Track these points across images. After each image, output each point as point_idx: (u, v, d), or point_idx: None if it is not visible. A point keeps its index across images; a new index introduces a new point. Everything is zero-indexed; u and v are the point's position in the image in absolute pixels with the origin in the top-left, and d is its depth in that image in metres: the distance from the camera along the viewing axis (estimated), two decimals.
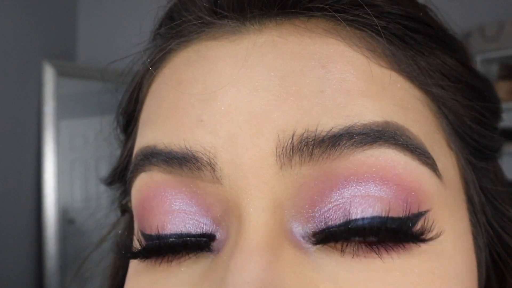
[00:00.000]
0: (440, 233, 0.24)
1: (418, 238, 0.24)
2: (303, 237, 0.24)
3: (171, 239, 0.26)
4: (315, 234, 0.24)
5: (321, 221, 0.24)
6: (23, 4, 2.23)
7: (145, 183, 0.27)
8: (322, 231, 0.24)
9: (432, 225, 0.24)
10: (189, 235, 0.26)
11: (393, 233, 0.23)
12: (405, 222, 0.24)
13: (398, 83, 0.26)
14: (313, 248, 0.24)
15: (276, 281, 0.22)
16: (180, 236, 0.26)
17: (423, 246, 0.24)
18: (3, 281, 2.06)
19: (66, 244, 2.32)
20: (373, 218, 0.23)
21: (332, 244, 0.24)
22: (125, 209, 0.35)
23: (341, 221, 0.23)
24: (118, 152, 0.37)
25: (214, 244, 0.25)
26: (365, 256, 0.23)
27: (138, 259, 0.27)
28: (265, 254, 0.22)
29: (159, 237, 0.26)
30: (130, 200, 0.31)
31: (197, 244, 0.25)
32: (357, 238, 0.23)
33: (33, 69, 2.28)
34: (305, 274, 0.23)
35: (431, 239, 0.24)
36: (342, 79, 0.24)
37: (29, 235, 2.25)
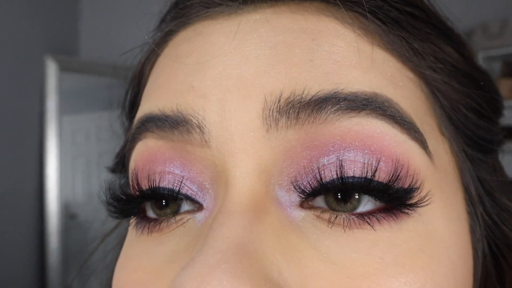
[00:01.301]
0: (430, 199, 0.24)
1: (408, 195, 0.24)
2: (290, 206, 0.24)
3: (162, 190, 0.27)
4: (301, 201, 0.24)
5: (311, 180, 0.24)
6: None
7: (140, 152, 0.28)
8: (312, 190, 0.24)
9: (421, 187, 0.24)
10: (179, 193, 0.27)
11: (383, 189, 0.23)
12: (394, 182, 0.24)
13: (390, 62, 0.26)
14: (300, 217, 0.24)
15: (256, 240, 0.22)
16: (171, 190, 0.27)
17: (413, 214, 0.24)
18: (6, 276, 2.06)
19: (68, 239, 2.32)
20: (362, 177, 0.23)
21: (318, 213, 0.24)
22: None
23: (334, 177, 0.24)
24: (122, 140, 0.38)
25: (202, 213, 0.26)
26: (357, 228, 0.23)
27: (133, 206, 0.28)
28: (247, 215, 0.23)
29: (152, 189, 0.27)
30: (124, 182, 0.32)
31: (187, 200, 0.26)
32: (346, 196, 0.24)
33: (35, 64, 2.28)
34: (288, 239, 0.23)
35: (421, 201, 0.24)
36: (332, 51, 0.25)
37: (31, 230, 2.25)
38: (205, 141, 0.25)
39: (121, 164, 0.37)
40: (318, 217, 0.24)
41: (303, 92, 0.23)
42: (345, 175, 0.23)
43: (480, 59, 2.07)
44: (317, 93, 0.23)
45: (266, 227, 0.23)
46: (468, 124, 0.29)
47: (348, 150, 0.24)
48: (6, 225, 2.08)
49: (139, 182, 0.28)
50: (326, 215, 0.24)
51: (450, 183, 0.27)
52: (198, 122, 0.25)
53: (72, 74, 2.40)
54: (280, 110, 0.24)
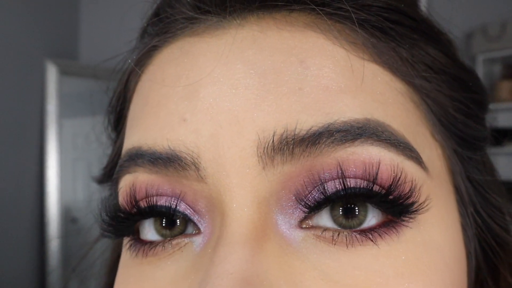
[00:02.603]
0: (428, 205, 0.25)
1: (408, 200, 0.24)
2: (289, 229, 0.24)
3: (159, 208, 0.26)
4: (301, 221, 0.24)
5: (314, 192, 0.24)
6: (26, 3, 2.23)
7: (129, 184, 0.27)
8: (316, 203, 0.24)
9: (420, 193, 0.24)
10: (176, 210, 0.26)
11: (385, 194, 0.23)
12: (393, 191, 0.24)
13: (379, 76, 0.26)
14: (299, 239, 0.24)
15: (259, 272, 0.22)
16: (168, 208, 0.26)
17: (412, 225, 0.24)
18: (6, 279, 2.06)
19: (68, 243, 2.32)
20: (363, 187, 0.24)
21: (319, 232, 0.24)
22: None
23: (338, 187, 0.24)
24: (109, 151, 0.38)
25: (200, 238, 0.26)
26: (360, 245, 0.23)
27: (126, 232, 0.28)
28: (248, 246, 0.23)
29: (150, 206, 0.27)
30: (113, 202, 0.32)
31: (184, 225, 0.26)
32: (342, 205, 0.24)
33: (35, 68, 2.29)
34: (290, 264, 0.23)
35: (421, 206, 0.24)
36: (320, 75, 0.24)
37: (31, 234, 2.25)
38: (201, 178, 0.25)
39: (108, 176, 0.36)
40: (318, 237, 0.24)
41: (295, 127, 0.23)
42: (348, 184, 0.23)
43: (480, 61, 2.08)
44: (310, 128, 0.23)
45: (268, 255, 0.23)
46: (457, 125, 0.29)
47: (346, 173, 0.24)
48: (6, 228, 2.08)
49: (137, 200, 0.27)
50: (328, 234, 0.24)
51: (444, 188, 0.27)
52: (193, 160, 0.24)
53: (72, 78, 2.41)
54: (275, 148, 0.23)
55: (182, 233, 0.27)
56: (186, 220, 0.27)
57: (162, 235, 0.27)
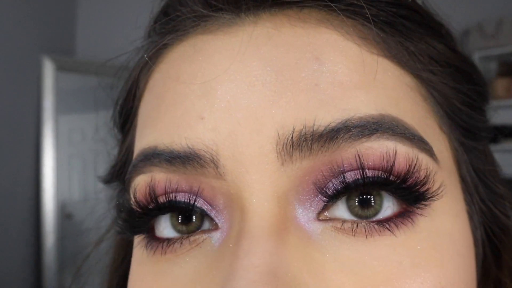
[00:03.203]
0: (442, 191, 0.25)
1: (424, 187, 0.24)
2: (308, 221, 0.25)
3: (178, 204, 0.26)
4: (319, 212, 0.24)
5: (332, 180, 0.24)
6: None
7: (144, 184, 0.27)
8: (335, 191, 0.24)
9: (434, 180, 0.25)
10: (195, 206, 0.26)
11: (402, 181, 0.24)
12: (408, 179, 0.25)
13: (389, 71, 0.26)
14: (318, 231, 0.24)
15: (283, 264, 0.23)
16: (187, 204, 0.26)
17: (426, 213, 0.25)
18: (2, 276, 2.06)
19: (64, 239, 2.32)
20: (381, 172, 0.24)
21: (338, 224, 0.24)
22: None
23: (354, 166, 0.24)
24: (115, 150, 0.37)
25: (218, 233, 0.26)
26: (378, 235, 0.24)
27: (142, 233, 0.28)
28: (271, 239, 0.23)
29: (169, 199, 0.26)
30: (128, 200, 0.32)
31: (200, 219, 0.26)
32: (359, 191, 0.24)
33: (32, 64, 2.28)
34: (311, 256, 0.24)
35: (436, 192, 0.25)
36: (335, 71, 0.25)
37: (27, 230, 2.25)
38: (220, 175, 0.25)
39: (116, 175, 0.36)
40: (337, 228, 0.24)
41: (314, 124, 0.24)
42: (366, 173, 0.24)
43: (476, 59, 2.08)
44: (328, 124, 0.24)
45: (290, 248, 0.23)
46: (462, 117, 0.30)
47: (364, 163, 0.24)
48: (2, 224, 2.07)
49: (156, 195, 0.27)
50: (348, 225, 0.24)
51: (452, 178, 0.28)
52: (212, 157, 0.25)
53: (68, 73, 2.40)
54: (294, 144, 0.24)
55: (198, 229, 0.27)
56: (202, 216, 0.27)
57: (178, 231, 0.27)
